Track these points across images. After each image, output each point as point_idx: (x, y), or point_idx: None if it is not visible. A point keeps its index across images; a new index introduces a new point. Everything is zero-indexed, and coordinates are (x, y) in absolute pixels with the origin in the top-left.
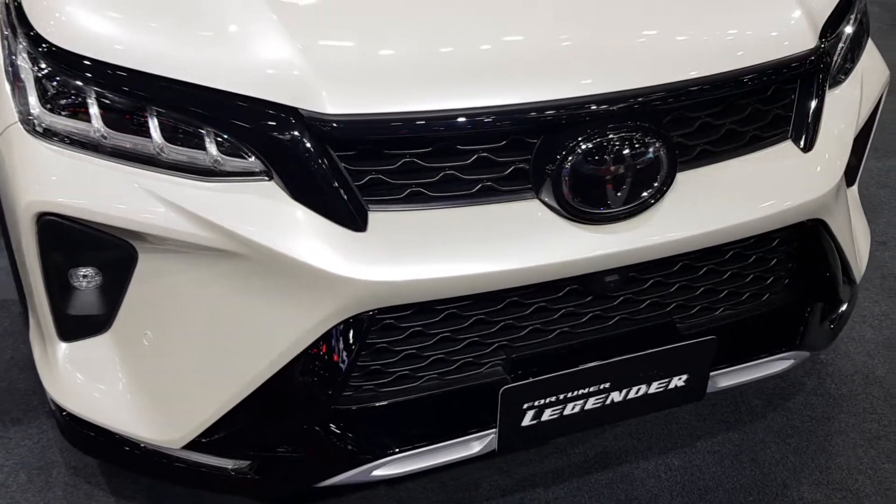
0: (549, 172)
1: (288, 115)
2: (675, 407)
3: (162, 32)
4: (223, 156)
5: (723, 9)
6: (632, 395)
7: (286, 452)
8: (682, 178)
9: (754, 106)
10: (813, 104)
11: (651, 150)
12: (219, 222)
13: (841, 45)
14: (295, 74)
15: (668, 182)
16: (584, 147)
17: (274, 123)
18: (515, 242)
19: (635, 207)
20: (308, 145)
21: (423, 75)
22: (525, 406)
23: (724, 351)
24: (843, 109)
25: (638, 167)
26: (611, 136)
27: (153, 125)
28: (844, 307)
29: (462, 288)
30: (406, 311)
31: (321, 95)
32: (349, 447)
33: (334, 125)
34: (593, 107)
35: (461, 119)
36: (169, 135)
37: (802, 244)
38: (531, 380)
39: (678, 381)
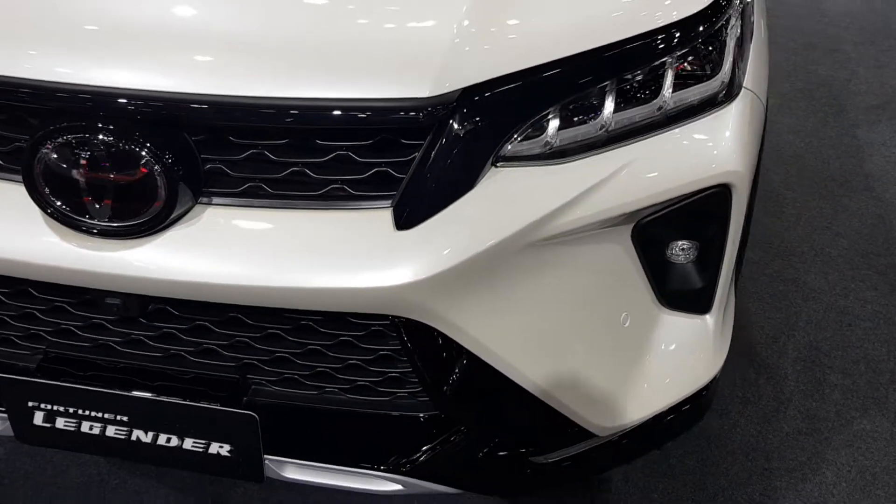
0: (29, 160)
1: None
2: (232, 477)
3: None
4: None
5: (344, 23)
6: (161, 442)
7: None
8: (213, 213)
9: (342, 153)
10: (431, 174)
11: (138, 167)
12: None
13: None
14: None
15: (167, 211)
16: (60, 141)
17: None
18: None
19: (126, 228)
20: None
21: None
22: (30, 404)
23: (288, 435)
24: (530, 198)
25: (123, 184)
26: (91, 137)
27: None
28: (558, 456)
29: None
30: None
31: None
32: None
33: None
34: (79, 98)
35: None
36: None
37: (415, 349)
38: (22, 378)
39: (221, 449)
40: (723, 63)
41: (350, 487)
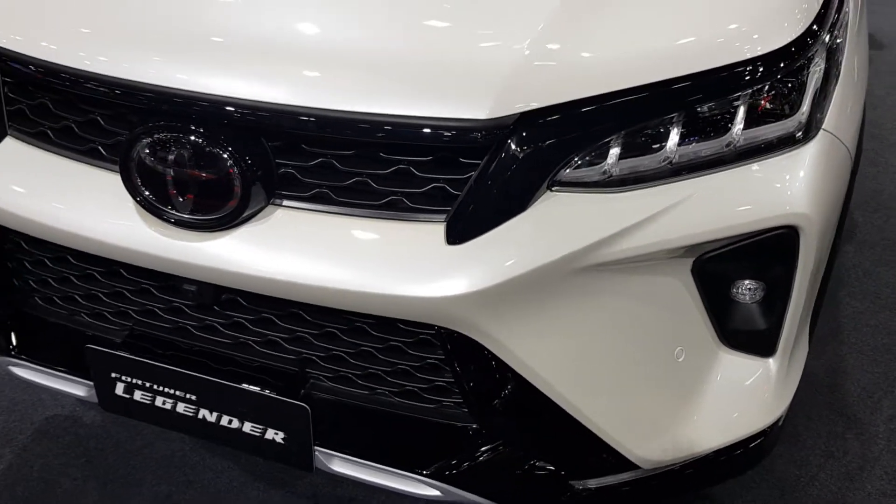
0: (126, 152)
1: None
2: (284, 464)
3: None
4: None
5: (424, 45)
6: (224, 423)
7: None
8: (283, 214)
9: (403, 167)
10: (485, 193)
11: (219, 167)
12: None
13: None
14: None
15: (241, 209)
16: (155, 138)
17: None
18: (86, 206)
19: (203, 221)
20: None
21: (68, 31)
22: (113, 375)
23: (339, 430)
24: (583, 223)
25: (203, 181)
26: (175, 137)
27: None
28: (599, 483)
29: (29, 227)
30: (19, 236)
31: None
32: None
33: None
34: (174, 101)
35: (73, 77)
36: None
37: (458, 360)
38: (107, 350)
39: (276, 436)
40: (801, 103)
41: (390, 487)
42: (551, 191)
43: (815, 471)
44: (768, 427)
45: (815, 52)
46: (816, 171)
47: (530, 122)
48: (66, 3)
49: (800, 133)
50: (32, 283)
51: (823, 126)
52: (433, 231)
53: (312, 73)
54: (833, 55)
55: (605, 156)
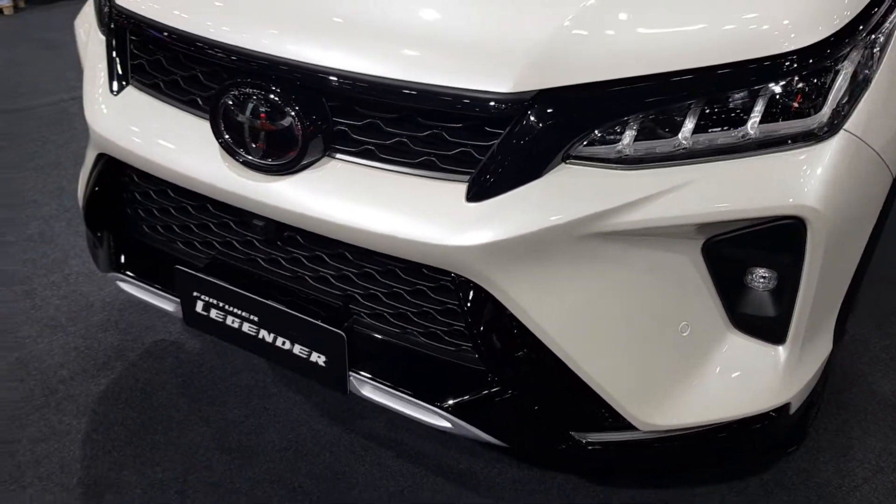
0: (216, 100)
1: None
2: (324, 385)
3: None
4: None
5: (462, 22)
6: (279, 343)
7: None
8: (334, 165)
9: (437, 131)
10: (504, 159)
11: (285, 121)
12: None
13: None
14: None
15: (300, 157)
16: (239, 92)
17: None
18: (183, 147)
19: (268, 166)
20: (112, 25)
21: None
22: (194, 294)
23: (372, 361)
24: (592, 193)
25: (272, 132)
26: (254, 93)
27: None
28: (600, 438)
29: (140, 163)
30: (132, 170)
31: None
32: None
33: (115, 13)
34: (254, 62)
35: (180, 37)
36: None
37: (469, 308)
38: (192, 272)
39: (318, 359)
40: (825, 102)
41: (409, 415)
42: (566, 163)
43: (859, 482)
44: (773, 411)
45: (845, 53)
46: (834, 169)
47: (550, 98)
48: None
49: (820, 130)
50: (140, 213)
51: (846, 127)
52: (457, 189)
53: (367, 43)
54: (867, 59)
55: (620, 135)
